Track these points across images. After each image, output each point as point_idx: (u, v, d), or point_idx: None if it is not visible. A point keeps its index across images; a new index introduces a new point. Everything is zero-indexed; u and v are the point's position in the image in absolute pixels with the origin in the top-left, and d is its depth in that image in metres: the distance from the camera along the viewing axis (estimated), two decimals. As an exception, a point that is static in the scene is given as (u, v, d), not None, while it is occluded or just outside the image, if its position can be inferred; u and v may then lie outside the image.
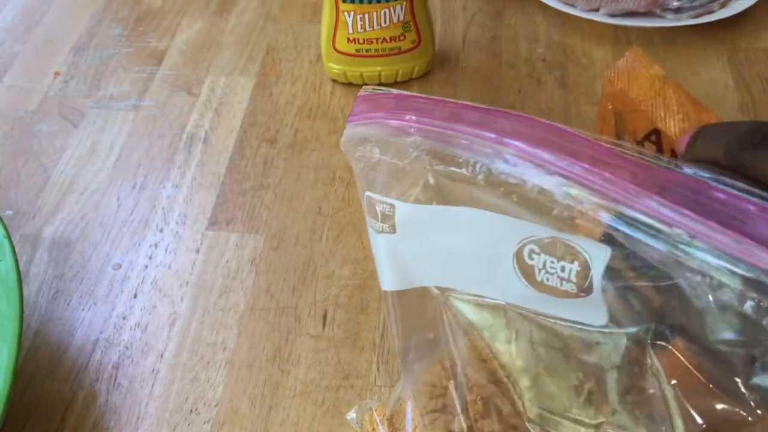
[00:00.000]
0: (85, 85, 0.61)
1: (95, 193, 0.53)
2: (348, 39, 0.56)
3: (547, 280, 0.27)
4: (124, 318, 0.46)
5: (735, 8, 0.61)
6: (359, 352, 0.43)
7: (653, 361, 0.28)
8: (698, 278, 0.25)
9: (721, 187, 0.25)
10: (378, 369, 0.42)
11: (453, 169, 0.28)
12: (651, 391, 0.28)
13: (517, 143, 0.27)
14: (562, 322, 0.29)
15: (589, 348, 0.29)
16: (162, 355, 0.44)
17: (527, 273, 0.28)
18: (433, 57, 0.59)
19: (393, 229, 0.30)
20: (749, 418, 0.26)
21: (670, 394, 0.27)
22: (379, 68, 0.58)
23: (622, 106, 0.42)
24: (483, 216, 0.28)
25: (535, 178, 0.26)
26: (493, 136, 0.27)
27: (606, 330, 0.28)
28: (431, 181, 0.29)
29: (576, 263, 0.27)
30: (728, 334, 0.26)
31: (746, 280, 0.24)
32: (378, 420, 0.36)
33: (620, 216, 0.25)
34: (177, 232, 0.50)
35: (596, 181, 0.25)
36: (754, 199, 0.24)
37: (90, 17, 0.68)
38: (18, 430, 0.41)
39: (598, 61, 0.60)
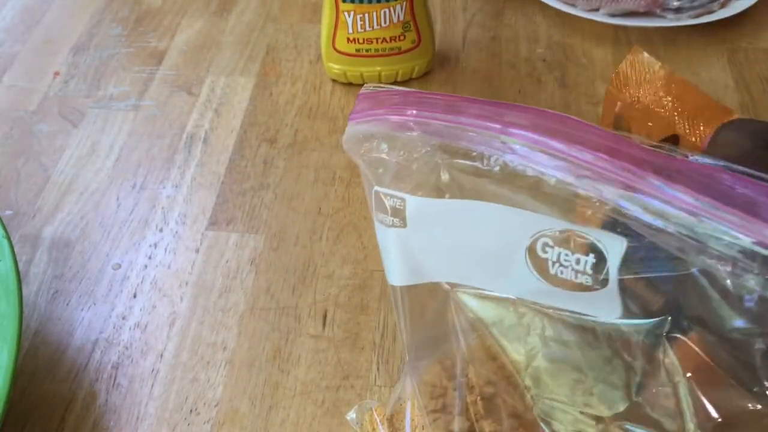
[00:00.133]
0: (85, 85, 0.61)
1: (95, 193, 0.53)
2: (348, 39, 0.56)
3: (561, 273, 0.27)
4: (123, 318, 0.46)
5: (735, 8, 0.61)
6: (359, 352, 0.43)
7: (668, 353, 0.27)
8: (715, 262, 0.24)
9: (734, 172, 0.25)
10: (378, 369, 0.42)
11: (467, 162, 0.28)
12: (665, 384, 0.28)
13: (524, 133, 0.27)
14: (575, 316, 0.28)
15: (601, 342, 0.29)
16: (162, 355, 0.44)
17: (540, 266, 0.28)
18: (433, 57, 0.59)
19: (404, 223, 0.30)
20: (766, 410, 0.26)
21: (685, 387, 0.27)
22: (379, 68, 0.58)
23: (632, 112, 0.41)
24: (496, 209, 0.28)
25: (546, 167, 0.26)
26: (499, 127, 0.27)
27: (619, 323, 0.28)
28: (444, 174, 0.29)
29: (591, 255, 0.26)
30: (744, 323, 0.26)
31: (764, 260, 0.24)
32: (378, 420, 0.36)
33: (633, 201, 0.25)
34: (177, 232, 0.50)
35: (607, 167, 0.25)
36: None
37: (90, 17, 0.68)
38: (18, 430, 0.41)
39: (598, 61, 0.60)
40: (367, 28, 0.55)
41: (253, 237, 0.49)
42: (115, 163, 0.55)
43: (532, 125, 0.27)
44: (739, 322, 0.26)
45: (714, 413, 0.27)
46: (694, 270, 0.25)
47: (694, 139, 0.38)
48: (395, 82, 0.59)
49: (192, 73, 0.62)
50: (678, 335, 0.27)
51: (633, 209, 0.25)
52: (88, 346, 0.44)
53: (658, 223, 0.25)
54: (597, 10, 0.62)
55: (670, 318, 0.27)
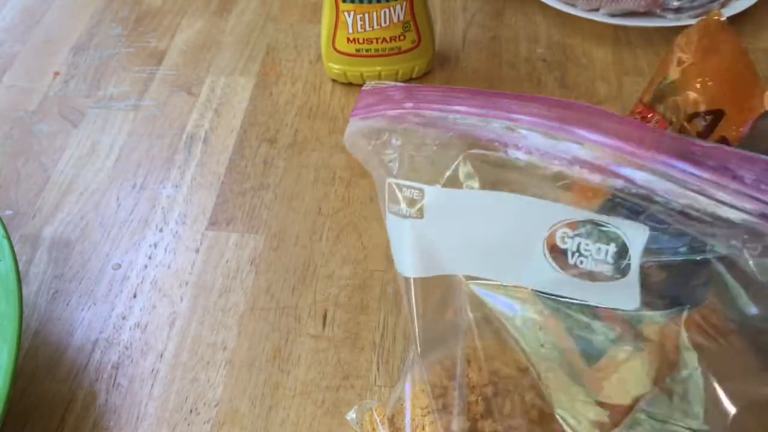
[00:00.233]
0: (85, 85, 0.61)
1: (95, 193, 0.53)
2: (348, 39, 0.56)
3: (581, 263, 0.27)
4: (123, 318, 0.46)
5: (735, 8, 0.61)
6: (359, 352, 0.43)
7: (686, 343, 0.27)
8: (740, 244, 0.24)
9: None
10: (378, 369, 0.42)
11: (489, 152, 0.28)
12: (684, 373, 0.28)
13: (538, 120, 0.27)
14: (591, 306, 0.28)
15: (618, 333, 0.29)
16: (162, 355, 0.44)
17: (559, 257, 0.28)
18: (433, 57, 0.59)
19: (421, 214, 0.30)
20: None
21: (702, 376, 0.27)
22: (379, 68, 0.58)
23: (689, 77, 0.39)
24: (515, 200, 0.28)
25: (566, 153, 0.26)
26: (506, 115, 0.27)
27: (639, 312, 0.28)
28: (465, 166, 0.28)
29: (612, 245, 0.26)
30: (761, 310, 0.26)
31: None
32: (378, 420, 0.36)
33: (663, 185, 0.25)
34: (177, 232, 0.50)
35: (625, 147, 0.25)
36: None
37: (90, 17, 0.68)
38: (18, 430, 0.41)
39: (598, 61, 0.60)
40: (367, 28, 0.55)
41: (253, 237, 0.49)
42: (115, 163, 0.55)
43: (539, 113, 0.27)
44: (754, 310, 0.26)
45: (732, 402, 0.27)
46: (711, 257, 0.25)
47: (737, 122, 0.37)
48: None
49: (192, 73, 0.62)
50: (697, 323, 0.27)
51: (662, 193, 0.25)
52: (88, 346, 0.44)
53: (689, 207, 0.25)
54: (597, 10, 0.62)
55: (689, 307, 0.27)
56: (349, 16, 0.55)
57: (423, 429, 0.33)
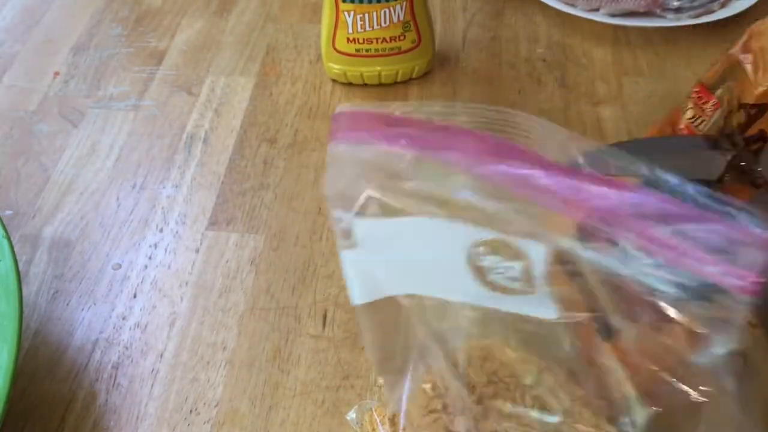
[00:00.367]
0: (85, 85, 0.61)
1: (95, 193, 0.53)
2: (348, 39, 0.56)
3: (498, 279, 0.29)
4: (123, 318, 0.46)
5: (735, 8, 0.61)
6: (359, 352, 0.43)
7: (604, 346, 0.29)
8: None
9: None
10: (378, 369, 0.42)
11: (395, 182, 0.29)
12: (607, 377, 0.29)
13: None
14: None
15: (546, 340, 0.30)
16: (162, 355, 0.44)
17: (480, 274, 0.29)
18: (433, 57, 0.59)
19: (354, 245, 0.31)
20: (699, 399, 0.27)
21: (621, 378, 0.29)
22: (379, 68, 0.58)
23: (757, 66, 0.39)
24: (434, 224, 0.29)
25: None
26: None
27: (560, 320, 0.29)
28: (376, 194, 0.30)
29: (520, 261, 0.28)
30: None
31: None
32: (378, 420, 0.36)
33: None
34: (177, 232, 0.50)
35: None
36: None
37: (90, 17, 0.68)
38: (18, 430, 0.41)
39: (598, 61, 0.60)
40: (367, 28, 0.55)
41: (253, 237, 0.49)
42: (115, 163, 0.55)
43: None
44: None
45: (651, 403, 0.28)
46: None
47: None
48: (395, 83, 0.59)
49: (192, 73, 0.62)
50: (612, 328, 0.29)
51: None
52: (88, 346, 0.44)
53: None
54: (597, 10, 0.62)
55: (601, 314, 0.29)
56: (349, 16, 0.55)
57: (423, 429, 0.33)
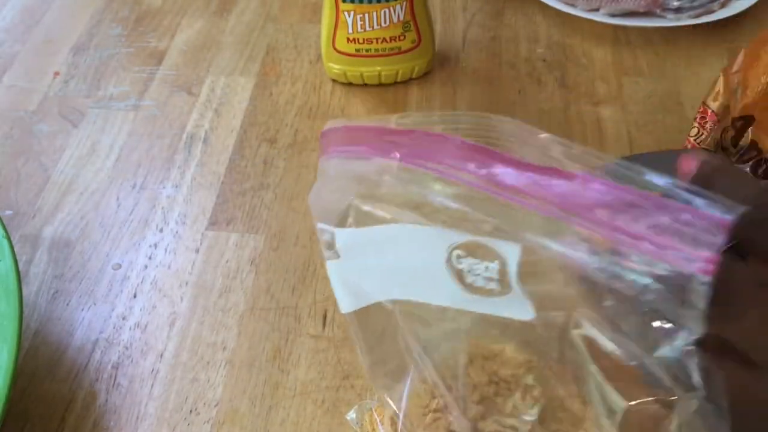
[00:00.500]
0: (85, 85, 0.61)
1: (95, 193, 0.53)
2: (348, 39, 0.56)
3: (475, 281, 0.29)
4: (123, 318, 0.46)
5: (735, 8, 0.61)
6: (359, 352, 0.43)
7: (579, 345, 0.29)
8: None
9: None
10: (378, 369, 0.42)
11: (376, 191, 0.30)
12: (585, 376, 0.30)
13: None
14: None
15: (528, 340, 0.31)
16: (162, 355, 0.44)
17: (459, 277, 0.29)
18: (433, 57, 0.59)
19: (337, 255, 0.32)
20: (669, 397, 0.28)
21: (597, 377, 0.29)
22: (379, 68, 0.58)
23: (742, 83, 0.40)
24: (414, 229, 0.29)
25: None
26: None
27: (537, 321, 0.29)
28: (356, 202, 0.30)
29: (496, 262, 0.28)
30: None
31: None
32: (378, 420, 0.36)
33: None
34: (177, 232, 0.50)
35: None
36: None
37: (90, 17, 0.68)
38: (18, 430, 0.41)
39: (598, 61, 0.60)
40: (367, 28, 0.55)
41: (253, 237, 0.49)
42: (115, 163, 0.55)
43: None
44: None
45: (624, 400, 0.28)
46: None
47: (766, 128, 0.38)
48: (395, 82, 0.59)
49: (192, 73, 0.62)
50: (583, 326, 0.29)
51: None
52: (88, 346, 0.44)
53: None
54: (597, 10, 0.62)
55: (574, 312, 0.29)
56: (349, 16, 0.55)
57: (423, 429, 0.33)
